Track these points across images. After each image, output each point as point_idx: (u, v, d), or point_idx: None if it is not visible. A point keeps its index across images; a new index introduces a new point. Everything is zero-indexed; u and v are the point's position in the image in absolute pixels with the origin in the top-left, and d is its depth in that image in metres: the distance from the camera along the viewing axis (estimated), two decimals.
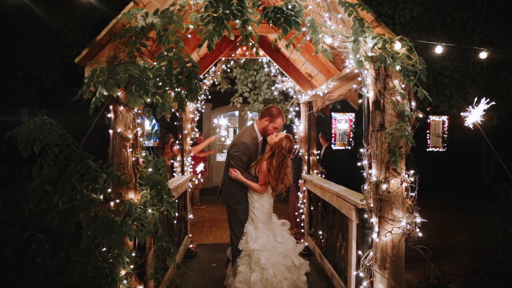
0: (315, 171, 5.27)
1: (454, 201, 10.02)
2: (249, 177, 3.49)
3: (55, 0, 8.21)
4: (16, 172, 3.59)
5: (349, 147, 12.45)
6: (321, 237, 4.63)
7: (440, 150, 13.21)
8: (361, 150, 2.87)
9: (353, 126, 12.61)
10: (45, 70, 8.61)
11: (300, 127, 5.39)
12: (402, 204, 2.60)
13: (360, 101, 3.04)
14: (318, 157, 5.39)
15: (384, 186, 2.61)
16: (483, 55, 2.91)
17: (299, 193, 5.51)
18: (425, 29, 5.83)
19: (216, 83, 6.55)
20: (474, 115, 2.34)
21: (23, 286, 2.03)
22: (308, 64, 4.69)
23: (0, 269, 2.17)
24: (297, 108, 5.58)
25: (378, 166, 2.66)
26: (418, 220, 2.60)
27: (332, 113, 12.13)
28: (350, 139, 12.69)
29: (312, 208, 5.14)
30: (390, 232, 2.60)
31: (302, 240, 5.25)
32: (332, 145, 11.52)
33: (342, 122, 12.79)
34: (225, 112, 12.72)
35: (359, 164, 2.87)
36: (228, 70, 6.36)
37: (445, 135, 13.05)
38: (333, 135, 12.44)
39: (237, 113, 12.40)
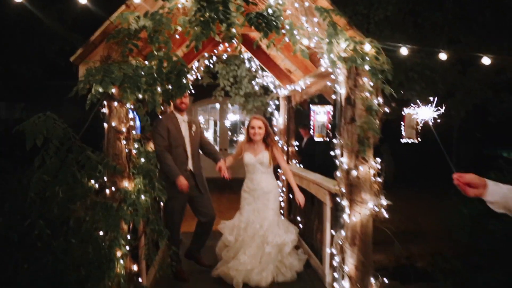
0: (294, 161, 5.59)
1: (426, 189, 10.58)
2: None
3: None
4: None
5: (328, 139, 12.88)
6: (299, 222, 4.96)
7: (414, 141, 13.82)
8: (334, 140, 3.18)
9: (332, 118, 13.02)
10: (25, 64, 8.57)
11: (280, 120, 5.69)
12: (370, 188, 2.93)
13: (334, 96, 3.35)
14: (296, 148, 5.70)
15: (354, 173, 2.93)
16: (443, 56, 3.25)
17: (278, 182, 5.82)
18: (398, 28, 6.20)
19: (199, 77, 6.74)
20: (425, 113, 2.60)
21: (33, 264, 2.24)
22: (287, 60, 4.97)
23: (8, 252, 2.38)
24: (277, 102, 5.87)
25: (349, 155, 2.98)
26: (384, 202, 2.94)
27: (311, 106, 12.48)
28: (328, 131, 13.12)
29: (291, 196, 5.46)
30: (359, 213, 2.93)
31: None
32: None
33: (320, 114, 13.20)
34: (206, 105, 12.91)
35: (332, 153, 3.18)
36: (211, 66, 6.58)
37: (418, 127, 13.63)
38: (312, 127, 12.83)
39: (218, 105, 12.62)
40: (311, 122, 12.95)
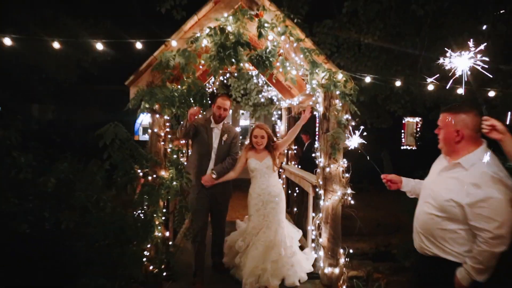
0: (293, 163, 6.66)
1: None
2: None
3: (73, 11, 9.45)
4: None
5: None
6: (294, 212, 6.02)
7: (414, 148, 14.68)
8: (316, 145, 4.25)
9: None
10: (64, 73, 9.85)
11: (281, 127, 6.77)
12: (339, 181, 3.98)
13: (315, 113, 4.42)
14: (295, 151, 6.77)
15: (327, 169, 3.99)
16: (397, 83, 4.29)
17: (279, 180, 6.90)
18: (385, 50, 7.21)
19: (215, 89, 7.87)
20: (354, 140, 3.58)
21: (105, 223, 3.36)
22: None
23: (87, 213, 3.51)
24: (279, 112, 6.95)
25: (324, 156, 4.04)
26: (349, 191, 3.98)
27: (316, 113, 13.47)
28: None
29: (290, 191, 6.52)
30: (331, 199, 3.98)
31: None
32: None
33: None
34: None
35: (313, 155, 4.24)
36: (225, 81, 7.71)
37: (417, 135, 14.50)
38: (316, 133, 13.83)
39: (230, 112, 13.81)
40: (316, 129, 13.94)
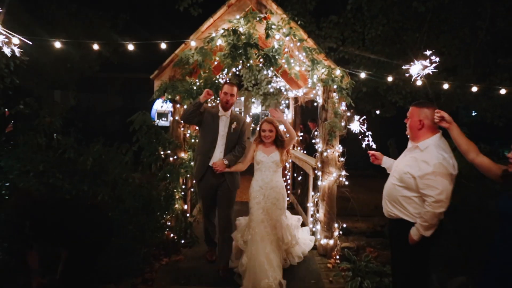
0: (299, 148, 7.24)
1: None
2: None
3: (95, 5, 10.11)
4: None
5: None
6: (299, 193, 6.63)
7: None
8: (315, 133, 4.81)
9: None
10: (87, 61, 10.54)
11: (289, 116, 7.33)
12: (335, 164, 4.56)
13: (315, 103, 4.97)
14: (301, 138, 7.34)
15: (325, 154, 4.56)
16: (389, 79, 4.80)
17: (286, 164, 7.51)
18: (388, 44, 7.65)
19: (227, 80, 8.45)
20: (354, 125, 4.25)
21: (134, 196, 4.03)
22: None
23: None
24: (287, 101, 7.50)
25: (323, 142, 4.61)
26: (343, 173, 4.56)
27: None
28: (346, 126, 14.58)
29: (295, 174, 7.12)
30: (327, 179, 4.56)
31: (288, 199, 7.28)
32: None
33: None
34: None
35: (313, 141, 4.82)
36: (237, 72, 8.28)
37: None
38: None
39: (242, 99, 14.44)
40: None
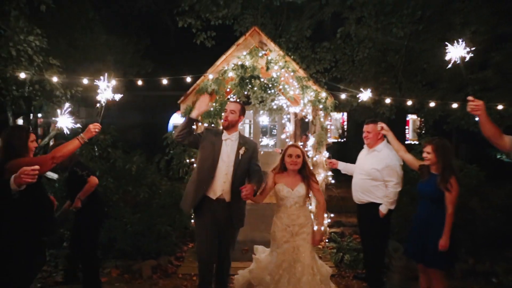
0: None
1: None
2: None
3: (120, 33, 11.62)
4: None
5: (341, 140, 15.54)
6: None
7: (417, 143, 16.12)
8: (308, 142, 6.07)
9: (345, 122, 15.66)
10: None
11: (290, 128, 8.61)
12: (322, 167, 5.80)
13: (306, 120, 6.24)
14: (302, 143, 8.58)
15: (315, 159, 5.81)
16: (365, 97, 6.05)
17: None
18: (374, 64, 8.91)
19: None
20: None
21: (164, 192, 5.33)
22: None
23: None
24: (288, 116, 8.79)
25: (314, 150, 5.86)
26: (329, 173, 5.79)
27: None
28: (345, 132, 15.76)
29: None
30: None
31: None
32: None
33: (336, 119, 15.87)
34: None
35: (306, 149, 6.08)
36: (245, 92, 9.69)
37: (419, 130, 15.91)
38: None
39: (251, 112, 15.77)
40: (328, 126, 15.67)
